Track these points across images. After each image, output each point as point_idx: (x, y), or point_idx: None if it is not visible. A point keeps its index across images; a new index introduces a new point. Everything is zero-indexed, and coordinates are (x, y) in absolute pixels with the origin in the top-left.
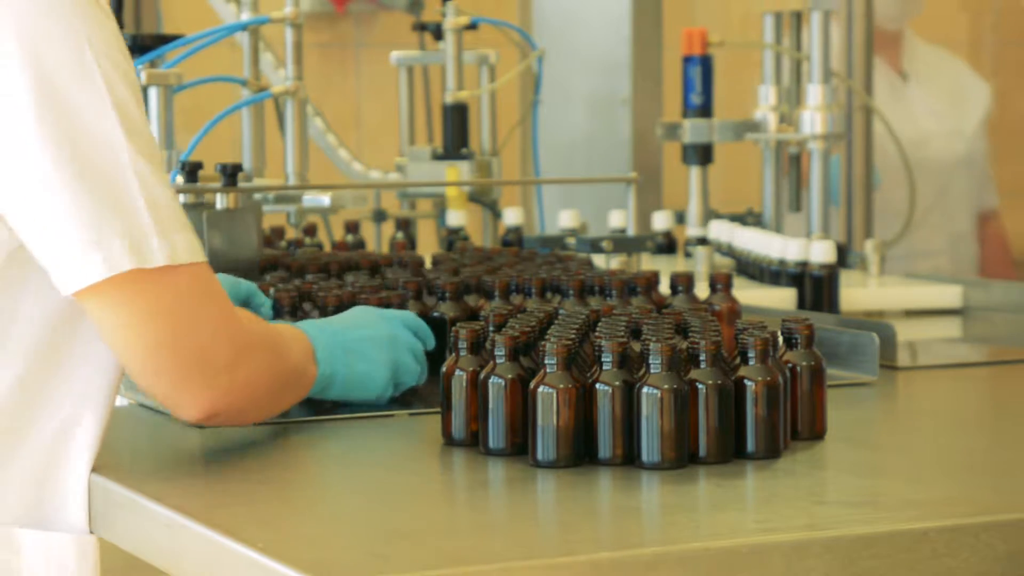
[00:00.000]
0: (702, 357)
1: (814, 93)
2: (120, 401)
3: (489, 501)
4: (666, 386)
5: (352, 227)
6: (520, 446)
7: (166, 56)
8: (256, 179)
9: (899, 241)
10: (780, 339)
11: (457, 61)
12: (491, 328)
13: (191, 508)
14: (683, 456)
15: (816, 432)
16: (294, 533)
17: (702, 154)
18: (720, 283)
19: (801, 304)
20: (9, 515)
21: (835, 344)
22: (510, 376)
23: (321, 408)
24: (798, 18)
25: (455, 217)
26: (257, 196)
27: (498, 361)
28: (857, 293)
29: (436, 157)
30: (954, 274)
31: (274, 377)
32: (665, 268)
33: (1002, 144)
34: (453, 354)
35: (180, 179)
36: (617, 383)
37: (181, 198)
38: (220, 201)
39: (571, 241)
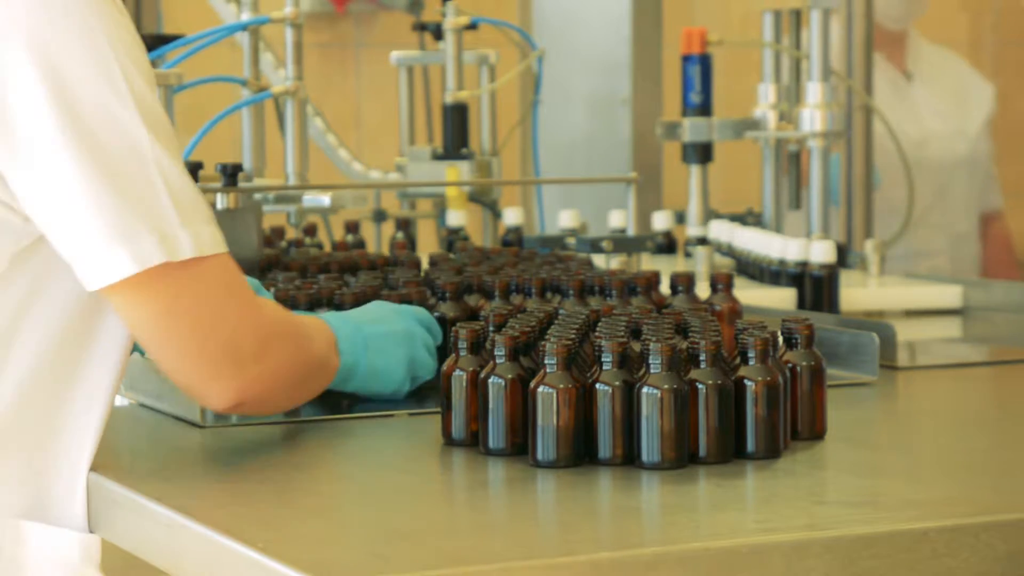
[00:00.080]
0: (702, 357)
1: (814, 91)
2: (120, 401)
3: (489, 501)
4: (666, 386)
5: (352, 227)
6: (520, 446)
7: (166, 56)
8: (256, 179)
9: (899, 241)
10: (780, 339)
11: (457, 61)
12: (491, 328)
13: (191, 508)
14: (683, 456)
15: (816, 432)
16: (294, 533)
17: (702, 153)
18: (721, 283)
19: (801, 304)
20: (11, 512)
21: (835, 344)
22: (510, 376)
23: (334, 404)
24: (797, 16)
25: (455, 217)
26: (257, 196)
27: (498, 361)
28: (857, 293)
29: (436, 157)
30: (955, 274)
31: (299, 365)
32: (665, 268)
33: (1005, 145)
34: (453, 354)
35: None
36: (617, 383)
37: None
38: (220, 201)
39: (571, 241)
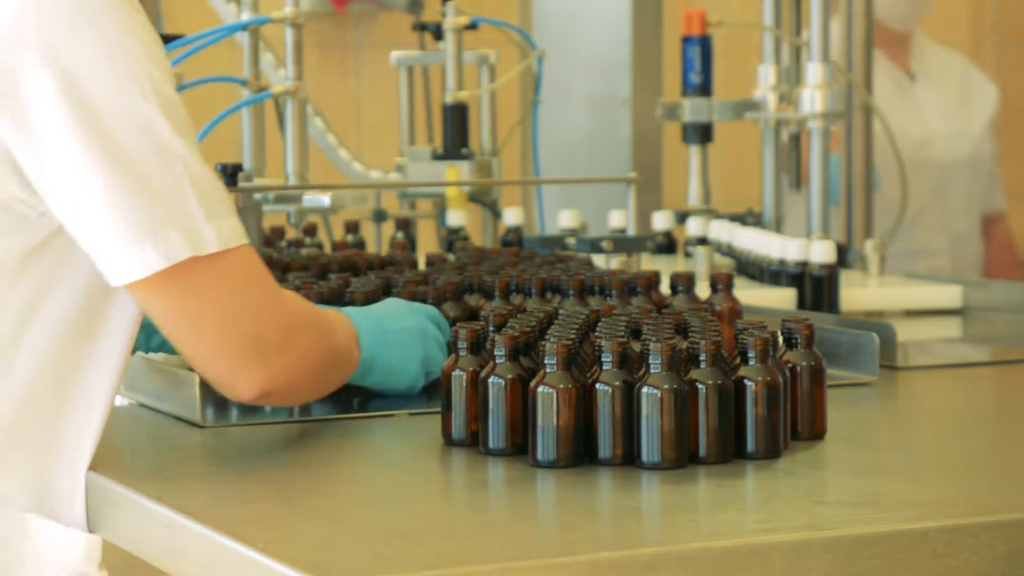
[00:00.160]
0: (702, 357)
1: (813, 71)
2: (120, 401)
3: (489, 501)
4: (666, 386)
5: (352, 227)
6: (520, 446)
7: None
8: (256, 179)
9: (896, 240)
10: (780, 339)
11: (457, 61)
12: (491, 328)
13: (191, 508)
14: (683, 456)
15: (816, 432)
16: (294, 533)
17: (702, 133)
18: (721, 283)
19: (801, 304)
20: (17, 507)
21: (835, 344)
22: (510, 376)
23: (344, 402)
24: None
25: (455, 217)
26: (257, 196)
27: (498, 361)
28: (857, 293)
29: (436, 157)
30: (956, 274)
31: (323, 356)
32: (665, 268)
33: (1009, 146)
34: (453, 354)
35: None
36: (617, 383)
37: None
38: None
39: (571, 241)
